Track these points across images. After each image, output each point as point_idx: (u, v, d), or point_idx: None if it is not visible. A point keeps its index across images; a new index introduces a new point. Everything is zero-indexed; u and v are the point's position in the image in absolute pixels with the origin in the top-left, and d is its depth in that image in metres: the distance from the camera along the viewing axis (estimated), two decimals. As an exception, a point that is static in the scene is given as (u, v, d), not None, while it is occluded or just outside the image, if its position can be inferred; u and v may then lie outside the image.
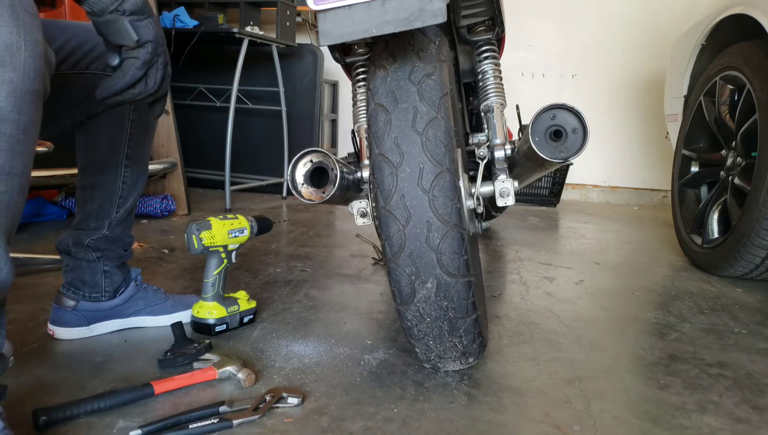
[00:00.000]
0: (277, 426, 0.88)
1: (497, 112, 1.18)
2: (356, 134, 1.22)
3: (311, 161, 1.03)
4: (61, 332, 1.18)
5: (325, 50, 3.03)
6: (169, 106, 2.51)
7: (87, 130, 1.13)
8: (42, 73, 0.67)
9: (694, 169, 2.14)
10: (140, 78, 0.80)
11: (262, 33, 2.89)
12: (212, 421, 0.86)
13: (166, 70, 0.84)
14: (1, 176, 0.64)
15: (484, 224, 1.13)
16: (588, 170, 3.69)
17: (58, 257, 1.69)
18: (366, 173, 1.13)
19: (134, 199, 1.20)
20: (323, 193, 1.02)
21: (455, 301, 0.91)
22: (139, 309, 1.25)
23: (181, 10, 2.86)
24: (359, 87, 1.23)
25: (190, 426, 0.84)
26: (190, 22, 2.83)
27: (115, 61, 0.79)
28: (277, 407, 0.92)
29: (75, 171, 1.19)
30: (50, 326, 1.18)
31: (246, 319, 1.28)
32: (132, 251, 1.26)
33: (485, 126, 1.19)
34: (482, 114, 1.21)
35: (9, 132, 0.63)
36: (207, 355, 1.06)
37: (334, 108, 3.93)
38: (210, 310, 1.22)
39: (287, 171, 1.03)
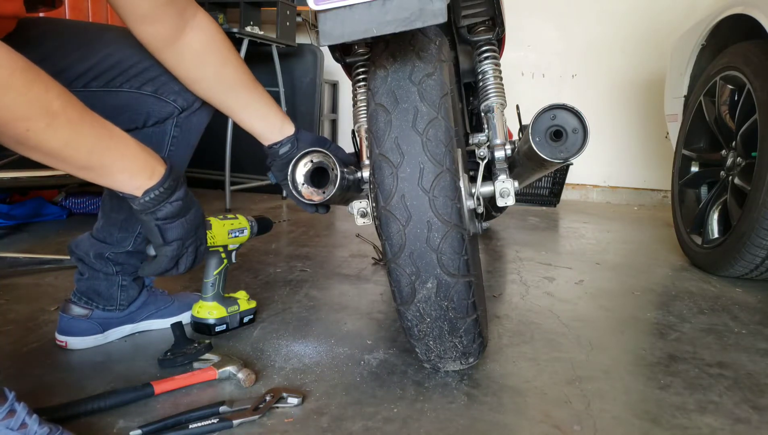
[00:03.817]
0: (277, 426, 0.88)
1: (497, 112, 1.18)
2: (356, 134, 1.22)
3: (311, 161, 1.03)
4: (76, 342, 1.13)
5: (325, 50, 3.03)
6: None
7: None
8: None
9: (694, 169, 2.14)
10: (173, 266, 0.89)
11: (262, 33, 2.89)
12: (212, 421, 0.86)
13: (198, 252, 0.92)
14: None
15: (484, 224, 1.13)
16: (588, 170, 3.69)
17: (58, 257, 1.70)
18: (366, 173, 1.13)
19: None
20: (323, 193, 1.02)
21: (455, 301, 0.91)
22: (150, 314, 1.24)
23: (181, 10, 2.85)
24: (359, 87, 1.23)
25: (190, 426, 0.85)
26: (190, 22, 2.83)
27: (151, 253, 0.90)
28: (277, 407, 0.92)
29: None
30: (60, 338, 1.13)
31: (246, 319, 1.28)
32: None
33: (485, 126, 1.19)
34: (482, 114, 1.21)
35: None
36: (207, 355, 1.06)
37: (334, 108, 3.93)
38: (210, 310, 1.22)
39: (288, 171, 1.03)
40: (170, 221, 0.84)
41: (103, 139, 0.74)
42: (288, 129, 1.09)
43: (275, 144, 1.09)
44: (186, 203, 0.86)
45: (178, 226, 0.85)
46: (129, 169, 0.78)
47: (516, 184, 1.08)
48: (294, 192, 1.04)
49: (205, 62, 0.98)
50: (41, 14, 1.00)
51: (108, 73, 0.97)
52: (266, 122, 1.08)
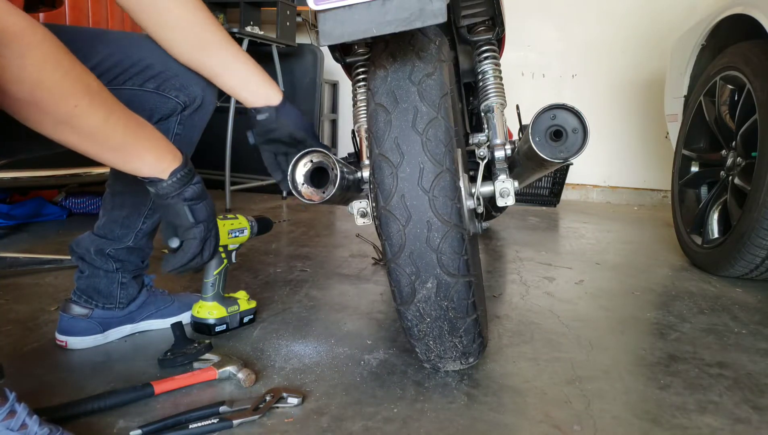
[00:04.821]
0: (277, 426, 0.88)
1: (497, 112, 1.18)
2: (356, 134, 1.22)
3: (311, 161, 1.03)
4: (76, 342, 1.13)
5: (325, 50, 3.03)
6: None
7: None
8: None
9: (694, 169, 2.14)
10: (198, 253, 0.90)
11: (262, 33, 2.89)
12: (212, 421, 0.86)
13: (217, 238, 0.94)
14: None
15: (484, 224, 1.13)
16: (588, 170, 3.69)
17: (58, 257, 1.70)
18: (366, 173, 1.13)
19: None
20: (323, 193, 1.02)
21: (455, 301, 0.91)
22: (150, 314, 1.24)
23: (181, 10, 2.85)
24: (359, 87, 1.23)
25: (190, 426, 0.85)
26: (190, 22, 2.82)
27: (175, 244, 0.90)
28: (277, 407, 0.92)
29: (75, 171, 1.18)
30: (60, 337, 1.13)
31: (246, 319, 1.28)
32: (149, 263, 1.23)
33: (485, 126, 1.19)
34: (482, 114, 1.21)
35: None
36: (207, 355, 1.06)
37: (334, 108, 3.93)
38: (210, 310, 1.22)
39: (287, 171, 1.03)
40: (197, 202, 0.88)
41: (132, 119, 0.78)
42: (273, 97, 1.06)
43: (255, 109, 1.06)
44: (203, 188, 0.89)
45: (203, 206, 0.89)
46: (156, 150, 0.82)
47: (516, 184, 1.08)
48: (294, 192, 1.04)
49: (180, 19, 0.98)
50: (41, 14, 1.00)
51: (111, 72, 0.98)
52: (247, 85, 1.05)
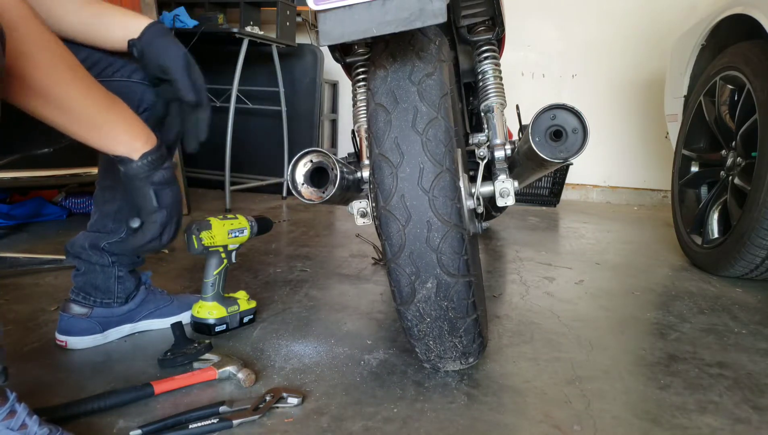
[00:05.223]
0: (277, 426, 0.88)
1: (497, 112, 1.19)
2: (356, 134, 1.23)
3: (311, 161, 1.03)
4: (75, 342, 1.13)
5: (325, 50, 3.03)
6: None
7: None
8: None
9: (694, 169, 2.14)
10: (157, 237, 0.91)
11: (262, 33, 2.89)
12: (212, 421, 0.86)
13: (178, 225, 0.94)
14: None
15: (484, 224, 1.13)
16: (588, 170, 3.69)
17: (58, 257, 1.70)
18: (366, 173, 1.13)
19: None
20: (323, 193, 1.02)
21: (455, 301, 0.91)
22: (149, 313, 1.24)
23: (181, 10, 2.86)
24: (359, 87, 1.24)
25: (190, 426, 0.85)
26: (190, 22, 2.83)
27: (136, 224, 0.91)
28: (277, 407, 0.92)
29: (75, 171, 1.18)
30: (60, 337, 1.13)
31: (246, 319, 1.28)
32: (144, 258, 1.23)
33: (485, 126, 1.19)
34: (482, 114, 1.21)
35: None
36: (207, 355, 1.06)
37: (334, 108, 3.93)
38: (210, 310, 1.22)
39: (287, 171, 1.03)
40: (163, 187, 0.89)
41: (110, 98, 0.81)
42: (134, 30, 0.97)
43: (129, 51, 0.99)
44: (173, 173, 0.91)
45: (169, 192, 0.90)
46: (130, 130, 0.84)
47: (516, 184, 1.08)
48: (294, 192, 1.04)
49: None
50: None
51: (99, 65, 1.00)
52: (109, 31, 0.98)
